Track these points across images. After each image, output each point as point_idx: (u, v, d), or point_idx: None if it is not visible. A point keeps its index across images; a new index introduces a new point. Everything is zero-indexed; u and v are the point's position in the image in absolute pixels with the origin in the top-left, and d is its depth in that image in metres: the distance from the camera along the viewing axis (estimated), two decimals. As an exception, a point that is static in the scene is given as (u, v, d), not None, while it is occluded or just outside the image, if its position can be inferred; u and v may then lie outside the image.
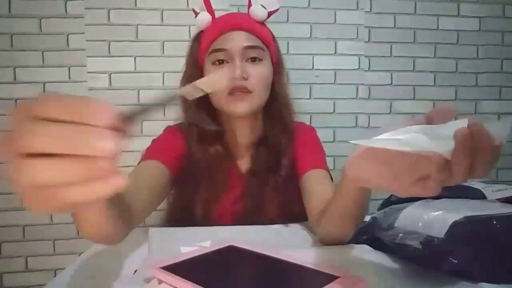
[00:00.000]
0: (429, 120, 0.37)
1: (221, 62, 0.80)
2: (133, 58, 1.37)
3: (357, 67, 1.47)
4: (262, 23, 0.85)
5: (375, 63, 1.48)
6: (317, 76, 1.46)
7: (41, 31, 1.33)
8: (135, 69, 1.38)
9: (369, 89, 1.49)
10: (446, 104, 0.32)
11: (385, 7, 1.47)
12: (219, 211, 0.84)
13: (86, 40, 1.35)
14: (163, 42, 1.38)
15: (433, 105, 1.51)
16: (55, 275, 1.40)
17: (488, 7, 1.50)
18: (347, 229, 0.59)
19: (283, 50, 1.42)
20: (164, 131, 0.90)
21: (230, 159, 0.87)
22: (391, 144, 0.33)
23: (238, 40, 0.79)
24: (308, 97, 1.46)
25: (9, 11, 1.31)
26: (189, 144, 0.84)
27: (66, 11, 1.33)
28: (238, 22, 0.81)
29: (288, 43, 1.44)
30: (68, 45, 1.34)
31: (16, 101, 1.33)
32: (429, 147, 0.32)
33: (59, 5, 1.33)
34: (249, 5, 0.84)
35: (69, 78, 1.35)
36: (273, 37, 0.89)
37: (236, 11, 1.38)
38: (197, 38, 0.86)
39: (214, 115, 0.85)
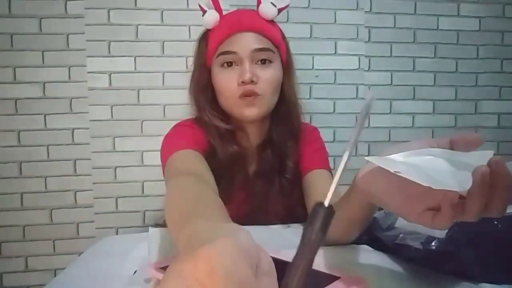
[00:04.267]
0: (453, 145, 0.36)
1: (229, 64, 0.78)
2: (133, 58, 1.37)
3: (357, 67, 1.47)
4: (272, 21, 0.83)
5: (375, 63, 1.48)
6: (317, 76, 1.46)
7: (41, 31, 1.33)
8: (135, 69, 1.38)
9: (369, 89, 1.49)
10: (472, 133, 0.32)
11: (385, 7, 1.47)
12: (228, 212, 0.84)
13: (86, 40, 1.35)
14: (163, 42, 1.38)
15: (433, 105, 1.52)
16: (55, 275, 1.40)
17: (488, 7, 1.50)
18: (352, 233, 0.59)
19: (283, 50, 1.43)
20: (177, 126, 0.86)
21: (239, 162, 0.87)
22: (406, 170, 0.32)
23: (247, 42, 0.77)
24: (308, 97, 1.46)
25: (9, 11, 1.31)
26: (209, 140, 0.82)
27: (66, 11, 1.33)
28: (247, 22, 0.79)
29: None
30: (68, 45, 1.34)
31: (16, 101, 1.33)
32: (445, 182, 0.31)
33: (59, 5, 1.33)
34: (258, 2, 0.82)
35: (69, 78, 1.35)
36: (283, 36, 0.86)
37: (236, 11, 1.38)
38: (205, 38, 0.84)
39: (225, 116, 0.84)
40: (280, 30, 0.86)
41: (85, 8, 1.34)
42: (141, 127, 1.38)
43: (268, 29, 0.80)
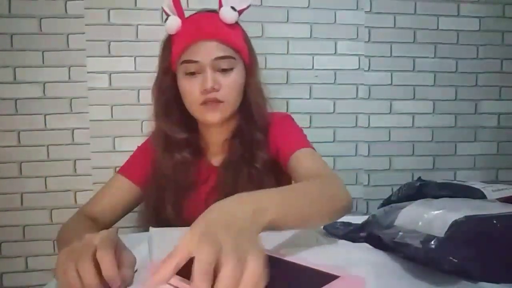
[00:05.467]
0: None
1: (192, 73, 0.81)
2: (133, 58, 1.37)
3: (357, 67, 1.48)
4: (234, 24, 0.84)
5: (375, 63, 1.48)
6: (317, 76, 1.46)
7: (41, 31, 1.33)
8: (135, 69, 1.38)
9: (369, 89, 1.49)
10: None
11: (385, 7, 1.47)
12: (192, 208, 0.85)
13: (86, 40, 1.35)
14: (163, 42, 1.38)
15: (433, 105, 1.52)
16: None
17: (488, 7, 1.50)
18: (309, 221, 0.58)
19: (283, 50, 1.43)
20: (137, 149, 0.95)
21: (201, 158, 0.89)
22: None
23: (208, 51, 0.79)
24: (308, 97, 1.46)
25: (9, 11, 1.31)
26: (157, 152, 0.87)
27: (66, 11, 1.33)
28: (208, 30, 0.81)
29: (288, 43, 1.44)
30: (68, 45, 1.34)
31: (16, 101, 1.33)
32: None
33: (59, 5, 1.33)
34: (220, 5, 0.83)
35: (69, 78, 1.35)
36: (246, 37, 0.88)
37: (236, 11, 1.38)
38: (169, 43, 0.86)
39: (186, 118, 0.86)
40: (243, 31, 0.87)
41: (85, 8, 1.34)
42: (141, 127, 1.38)
43: (229, 36, 0.82)
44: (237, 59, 0.83)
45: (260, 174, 0.85)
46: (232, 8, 0.81)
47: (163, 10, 0.84)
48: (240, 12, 0.83)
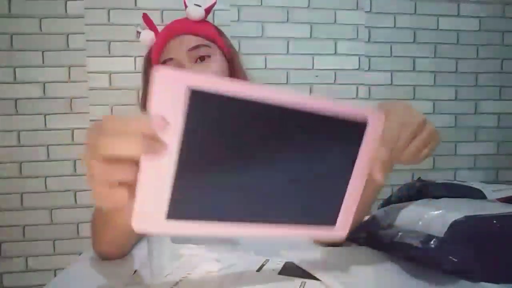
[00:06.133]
0: None
1: None
2: (133, 58, 1.37)
3: (357, 67, 1.47)
4: (203, 21, 0.85)
5: (375, 63, 1.48)
6: (317, 76, 1.46)
7: (41, 31, 1.33)
8: (135, 69, 1.38)
9: (369, 89, 1.49)
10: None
11: (385, 7, 1.47)
12: None
13: (86, 40, 1.35)
14: (163, 42, 1.38)
15: (433, 105, 1.52)
16: (55, 275, 1.40)
17: (488, 7, 1.50)
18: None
19: (283, 50, 1.43)
20: None
21: None
22: None
23: (180, 46, 0.80)
24: (308, 97, 1.46)
25: (9, 11, 1.31)
26: None
27: (66, 11, 1.33)
28: (177, 28, 0.82)
29: (288, 43, 1.44)
30: (68, 45, 1.34)
31: (16, 101, 1.33)
32: None
33: (59, 5, 1.33)
34: (185, 6, 0.84)
35: (69, 78, 1.35)
36: (220, 31, 0.89)
37: (236, 11, 1.39)
38: (148, 56, 0.88)
39: None
40: (216, 27, 0.88)
41: (85, 8, 1.34)
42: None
43: (198, 28, 0.82)
44: (212, 47, 0.83)
45: None
46: (197, 5, 0.83)
47: (136, 32, 0.87)
48: (208, 10, 0.84)
